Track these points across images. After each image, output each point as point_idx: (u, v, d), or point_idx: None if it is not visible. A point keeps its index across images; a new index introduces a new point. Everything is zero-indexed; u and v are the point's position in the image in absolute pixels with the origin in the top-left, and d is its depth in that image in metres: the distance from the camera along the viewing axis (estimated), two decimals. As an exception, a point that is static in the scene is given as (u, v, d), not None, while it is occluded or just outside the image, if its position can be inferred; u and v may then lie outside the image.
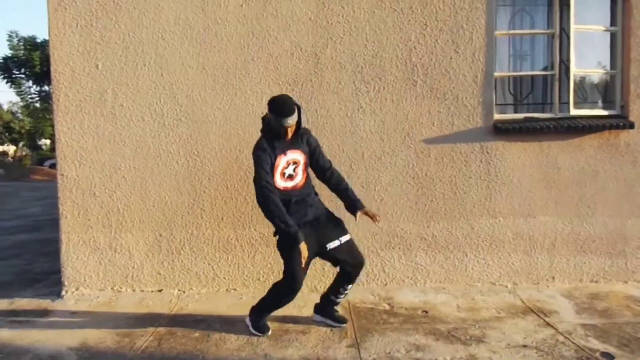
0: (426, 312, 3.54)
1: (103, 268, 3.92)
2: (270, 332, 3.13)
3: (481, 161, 3.98)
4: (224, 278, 3.95)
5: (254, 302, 3.25)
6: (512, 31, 4.19)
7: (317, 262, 3.91)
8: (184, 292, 3.92)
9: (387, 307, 3.62)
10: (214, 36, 3.86)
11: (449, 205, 3.99)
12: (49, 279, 4.38)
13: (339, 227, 3.14)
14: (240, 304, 3.62)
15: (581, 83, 4.31)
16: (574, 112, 4.04)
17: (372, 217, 3.11)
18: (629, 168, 4.04)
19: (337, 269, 3.21)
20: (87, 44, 3.83)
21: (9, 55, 16.57)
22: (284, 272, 3.06)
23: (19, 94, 17.98)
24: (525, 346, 2.97)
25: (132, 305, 3.70)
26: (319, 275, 3.92)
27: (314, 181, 3.21)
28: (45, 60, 14.70)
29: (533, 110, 4.22)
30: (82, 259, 3.91)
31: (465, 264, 4.02)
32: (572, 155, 4.01)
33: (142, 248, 3.93)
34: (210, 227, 3.93)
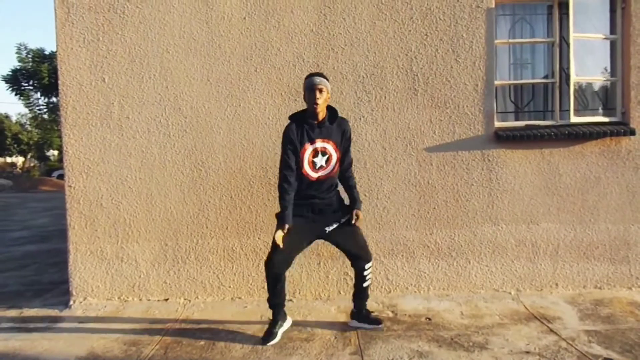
0: (429, 319, 3.56)
1: (110, 278, 3.98)
2: (275, 342, 3.16)
3: (483, 169, 4.02)
4: (229, 287, 3.99)
5: (259, 310, 3.29)
6: (512, 40, 4.23)
7: (321, 269, 3.97)
8: (189, 300, 3.96)
9: (391, 315, 3.64)
10: (218, 48, 3.93)
11: (452, 212, 4.02)
12: (57, 289, 4.44)
13: (341, 214, 3.25)
14: (245, 312, 3.67)
15: (582, 90, 4.34)
16: (574, 119, 4.07)
17: (355, 218, 3.27)
18: (630, 174, 4.05)
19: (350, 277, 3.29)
20: (94, 58, 3.91)
21: (18, 67, 16.81)
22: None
23: (27, 105, 18.22)
24: (528, 352, 2.98)
25: (139, 314, 3.74)
26: (323, 283, 3.96)
27: None
28: (54, 72, 14.92)
29: (534, 118, 4.25)
30: (89, 269, 3.97)
31: (468, 271, 4.04)
32: (573, 162, 4.04)
33: (148, 258, 3.98)
34: (215, 237, 3.98)
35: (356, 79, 3.96)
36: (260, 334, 3.22)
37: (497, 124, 4.08)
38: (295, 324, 3.42)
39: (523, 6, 4.24)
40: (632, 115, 4.06)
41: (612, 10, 4.16)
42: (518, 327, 3.37)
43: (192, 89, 3.94)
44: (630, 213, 4.07)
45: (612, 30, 4.18)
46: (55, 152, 33.91)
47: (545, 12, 4.24)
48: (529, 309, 3.72)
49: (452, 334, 3.27)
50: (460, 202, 4.02)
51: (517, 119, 4.28)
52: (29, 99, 17.69)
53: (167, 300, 3.96)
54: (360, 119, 3.96)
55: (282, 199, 3.09)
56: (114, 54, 3.92)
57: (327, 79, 3.14)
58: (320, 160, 3.12)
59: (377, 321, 3.36)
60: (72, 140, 3.93)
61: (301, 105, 3.80)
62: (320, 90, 3.05)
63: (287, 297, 3.90)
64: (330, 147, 3.14)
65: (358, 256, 3.27)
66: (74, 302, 3.94)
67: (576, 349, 3.02)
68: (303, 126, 3.10)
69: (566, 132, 3.97)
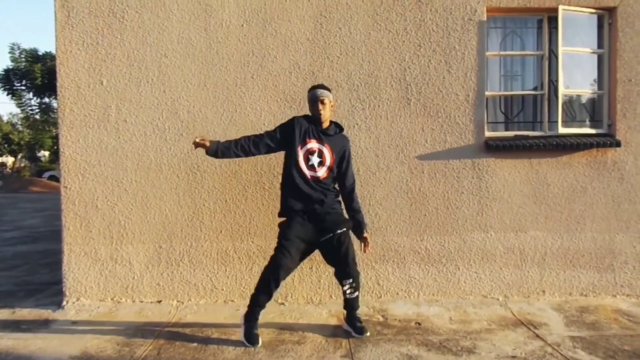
0: (419, 323, 3.62)
1: (104, 279, 4.00)
2: (260, 345, 3.18)
3: (473, 177, 4.10)
4: (222, 289, 4.04)
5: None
6: (503, 52, 4.34)
7: (313, 274, 4.02)
8: (182, 303, 3.99)
9: (381, 319, 3.71)
10: (215, 55, 3.99)
11: (442, 219, 4.10)
12: (49, 290, 4.46)
13: (338, 224, 3.30)
14: (238, 315, 3.68)
15: (570, 102, 4.45)
16: (562, 130, 4.17)
17: (364, 246, 3.41)
18: (616, 185, 4.16)
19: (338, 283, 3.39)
20: (93, 61, 3.96)
21: (11, 67, 16.72)
22: (274, 250, 3.24)
23: (19, 105, 18.07)
24: (514, 357, 3.05)
25: (132, 315, 3.77)
26: (315, 287, 4.02)
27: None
28: (47, 73, 14.84)
29: (523, 128, 4.36)
30: (83, 269, 3.99)
31: (457, 277, 4.11)
32: (561, 172, 4.14)
33: (142, 259, 4.02)
34: (209, 240, 4.03)
35: (350, 87, 4.04)
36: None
37: (488, 133, 4.17)
38: (287, 327, 3.48)
39: (514, 20, 4.35)
40: (618, 127, 4.18)
41: (600, 26, 4.28)
42: (505, 333, 3.45)
43: (189, 94, 4.00)
44: (615, 222, 4.18)
45: (600, 44, 4.30)
46: (47, 153, 33.68)
47: (536, 26, 4.36)
48: (516, 315, 3.80)
49: (441, 339, 3.34)
50: (451, 210, 4.10)
51: (507, 129, 4.38)
52: (21, 99, 17.56)
53: (160, 302, 3.99)
54: (354, 126, 4.03)
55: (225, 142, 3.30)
56: (113, 57, 3.97)
57: (329, 90, 3.36)
58: (314, 160, 3.25)
59: (360, 330, 3.37)
60: (69, 142, 3.97)
61: (295, 112, 3.88)
62: (322, 102, 3.27)
63: (280, 301, 3.98)
64: (326, 152, 3.28)
65: (339, 272, 3.36)
66: (67, 302, 3.96)
67: (561, 354, 3.10)
68: (310, 125, 3.30)
69: (554, 142, 4.07)
